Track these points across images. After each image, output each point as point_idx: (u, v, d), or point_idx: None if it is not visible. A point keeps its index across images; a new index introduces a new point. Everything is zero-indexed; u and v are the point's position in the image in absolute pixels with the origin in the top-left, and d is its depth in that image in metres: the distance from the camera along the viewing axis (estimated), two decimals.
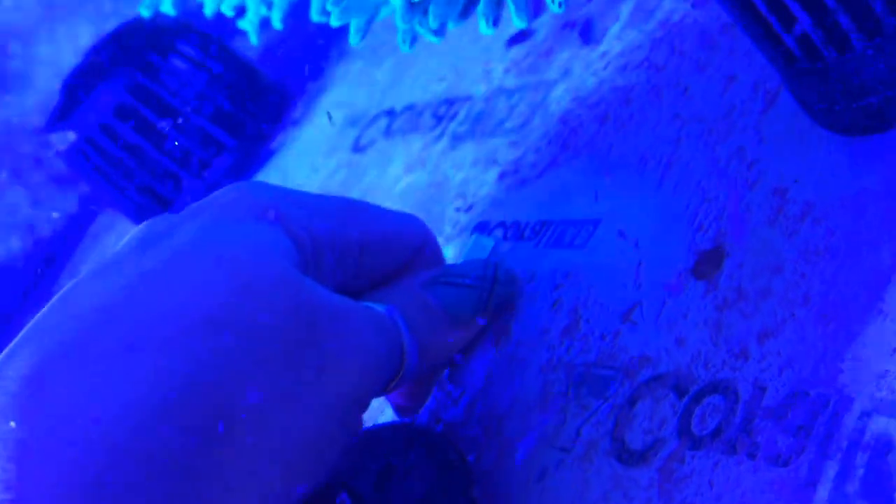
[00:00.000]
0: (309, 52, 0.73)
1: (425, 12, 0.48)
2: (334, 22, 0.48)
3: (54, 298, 0.29)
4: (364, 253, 0.34)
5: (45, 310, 0.29)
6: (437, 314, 0.35)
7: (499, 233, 0.44)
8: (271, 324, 0.28)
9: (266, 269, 0.29)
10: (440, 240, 0.47)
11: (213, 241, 0.30)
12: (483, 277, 0.37)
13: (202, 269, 0.29)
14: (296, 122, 0.71)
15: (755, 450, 0.30)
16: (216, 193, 0.33)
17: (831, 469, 0.27)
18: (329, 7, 0.48)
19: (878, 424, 0.27)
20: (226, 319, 0.28)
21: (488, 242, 0.42)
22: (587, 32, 0.48)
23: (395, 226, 0.37)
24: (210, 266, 0.29)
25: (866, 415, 0.27)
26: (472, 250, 0.42)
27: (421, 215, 0.51)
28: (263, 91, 0.74)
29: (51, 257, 0.94)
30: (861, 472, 0.27)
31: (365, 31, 0.48)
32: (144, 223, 0.32)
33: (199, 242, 0.30)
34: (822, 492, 0.27)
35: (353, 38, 0.49)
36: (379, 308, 0.33)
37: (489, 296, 0.37)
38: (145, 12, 0.57)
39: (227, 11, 0.52)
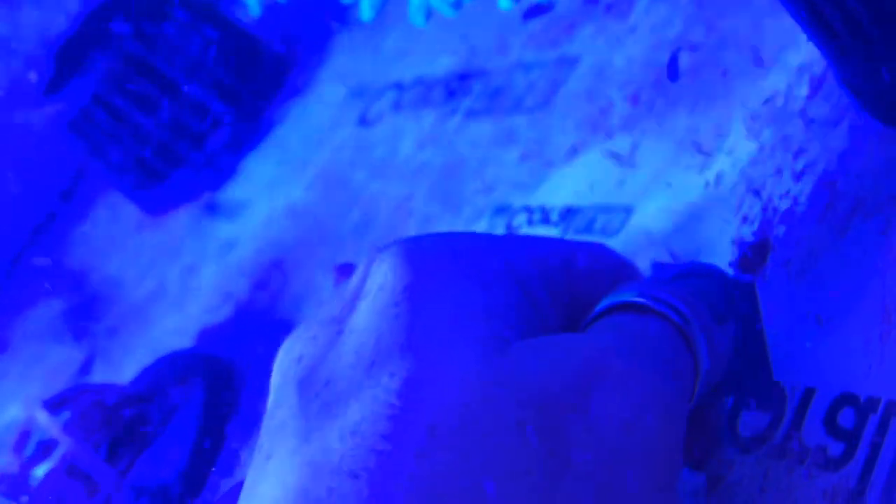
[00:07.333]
0: (310, 20, 0.71)
1: None
2: None
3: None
4: (571, 279, 0.28)
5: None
6: (700, 305, 0.28)
7: (523, 217, 0.42)
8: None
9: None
10: (458, 223, 0.46)
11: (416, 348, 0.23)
12: (710, 272, 0.31)
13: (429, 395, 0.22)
14: (297, 93, 0.69)
15: (804, 455, 0.29)
16: (359, 273, 0.26)
17: (880, 476, 0.26)
18: None
19: None
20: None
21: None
22: (613, 6, 0.46)
23: (589, 249, 0.30)
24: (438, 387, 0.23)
25: None
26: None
27: (438, 195, 0.49)
28: (262, 60, 0.72)
29: (39, 229, 0.92)
30: None
31: (379, 4, 0.46)
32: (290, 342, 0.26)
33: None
34: (872, 500, 0.26)
35: (366, 13, 0.47)
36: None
37: (731, 287, 0.30)
38: None
39: None
